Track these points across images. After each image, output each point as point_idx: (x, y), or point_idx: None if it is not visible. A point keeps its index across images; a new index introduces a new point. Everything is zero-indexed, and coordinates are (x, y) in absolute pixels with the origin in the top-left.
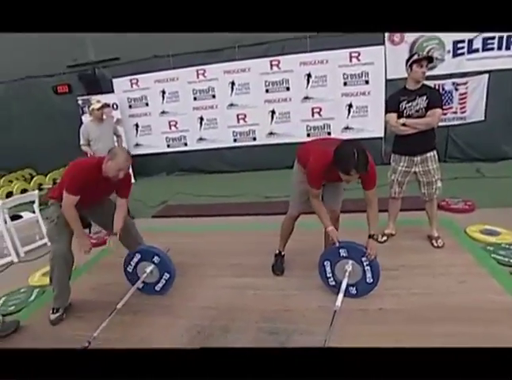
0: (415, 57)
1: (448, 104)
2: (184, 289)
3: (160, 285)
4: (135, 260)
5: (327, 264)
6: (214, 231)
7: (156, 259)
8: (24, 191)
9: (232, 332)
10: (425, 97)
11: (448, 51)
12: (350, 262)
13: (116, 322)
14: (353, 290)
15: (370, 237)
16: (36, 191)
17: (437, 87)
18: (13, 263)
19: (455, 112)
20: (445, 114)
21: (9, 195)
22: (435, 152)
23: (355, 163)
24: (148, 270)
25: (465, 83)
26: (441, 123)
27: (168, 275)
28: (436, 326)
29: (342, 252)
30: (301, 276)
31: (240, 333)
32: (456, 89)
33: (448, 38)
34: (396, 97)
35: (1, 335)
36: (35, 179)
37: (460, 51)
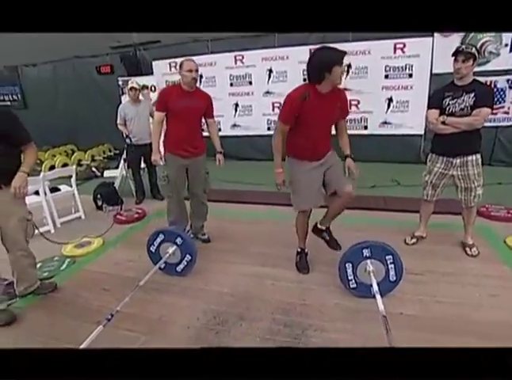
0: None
1: (500, 103)
2: (204, 273)
3: (181, 266)
4: (159, 240)
5: (349, 266)
6: (240, 218)
7: (179, 240)
8: (64, 165)
9: (247, 321)
10: (472, 94)
11: (506, 45)
12: (370, 261)
13: (138, 298)
14: None
15: (347, 156)
16: (74, 167)
17: (488, 84)
18: (49, 232)
19: (506, 112)
20: (495, 114)
21: (52, 168)
22: (478, 156)
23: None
24: (171, 251)
25: None
26: (489, 124)
27: (190, 257)
28: (455, 339)
29: (366, 253)
30: (322, 271)
31: (255, 322)
32: (511, 87)
33: None
34: (441, 93)
35: (40, 293)
36: (75, 155)
37: None
